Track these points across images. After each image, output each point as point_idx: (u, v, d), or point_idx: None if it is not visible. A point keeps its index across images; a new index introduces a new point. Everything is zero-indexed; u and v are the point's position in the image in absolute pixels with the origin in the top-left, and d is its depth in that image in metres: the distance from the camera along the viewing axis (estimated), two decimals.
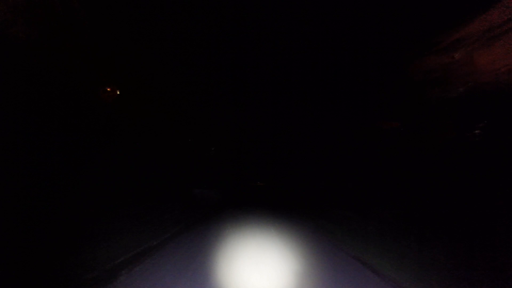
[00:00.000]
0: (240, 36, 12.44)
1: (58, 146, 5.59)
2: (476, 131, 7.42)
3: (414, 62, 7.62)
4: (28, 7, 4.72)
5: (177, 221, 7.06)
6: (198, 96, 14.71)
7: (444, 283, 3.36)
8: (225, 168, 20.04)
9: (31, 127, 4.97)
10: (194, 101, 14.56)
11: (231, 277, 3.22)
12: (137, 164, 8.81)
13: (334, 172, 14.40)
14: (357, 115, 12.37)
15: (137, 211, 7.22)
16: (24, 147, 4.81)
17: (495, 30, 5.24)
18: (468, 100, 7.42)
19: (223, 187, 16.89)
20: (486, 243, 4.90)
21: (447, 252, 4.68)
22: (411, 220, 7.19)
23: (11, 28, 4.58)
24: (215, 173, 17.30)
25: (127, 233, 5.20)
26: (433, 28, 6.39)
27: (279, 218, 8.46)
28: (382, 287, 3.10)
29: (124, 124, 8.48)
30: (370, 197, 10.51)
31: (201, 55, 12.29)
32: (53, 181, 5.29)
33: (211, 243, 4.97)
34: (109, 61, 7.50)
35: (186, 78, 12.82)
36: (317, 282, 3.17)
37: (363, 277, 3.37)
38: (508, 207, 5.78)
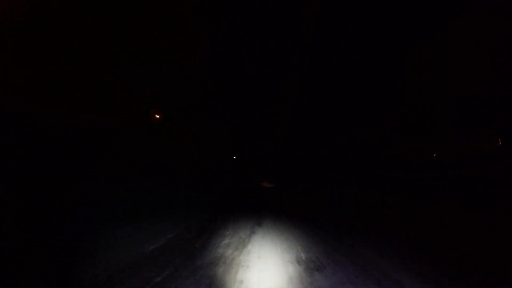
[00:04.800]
0: (240, 36, 12.44)
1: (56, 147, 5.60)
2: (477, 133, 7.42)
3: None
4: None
5: None
6: (198, 97, 14.72)
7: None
8: (224, 168, 20.00)
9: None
10: (194, 101, 14.58)
11: None
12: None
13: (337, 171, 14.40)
14: (358, 115, 12.37)
15: None
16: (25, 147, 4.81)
17: None
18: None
19: (222, 187, 16.90)
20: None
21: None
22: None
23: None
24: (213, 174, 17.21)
25: None
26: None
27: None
28: None
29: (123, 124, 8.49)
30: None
31: (200, 55, 12.30)
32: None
33: None
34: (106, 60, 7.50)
35: (186, 78, 12.82)
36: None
37: None
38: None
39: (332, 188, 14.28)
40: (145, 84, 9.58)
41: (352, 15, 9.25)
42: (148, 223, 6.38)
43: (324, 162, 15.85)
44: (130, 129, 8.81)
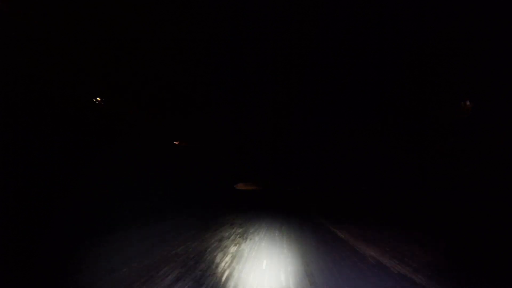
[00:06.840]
0: (240, 37, 12.45)
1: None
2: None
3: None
4: None
5: None
6: (198, 98, 14.75)
7: None
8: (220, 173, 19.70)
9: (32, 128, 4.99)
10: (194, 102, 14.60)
11: None
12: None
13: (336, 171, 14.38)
14: (358, 115, 12.38)
15: None
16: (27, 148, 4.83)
17: None
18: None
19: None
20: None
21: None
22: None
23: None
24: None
25: None
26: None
27: None
28: None
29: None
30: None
31: (199, 55, 12.31)
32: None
33: None
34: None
35: (184, 78, 12.84)
36: None
37: None
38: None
39: (327, 187, 14.24)
40: (143, 85, 9.61)
41: (351, 15, 9.26)
42: (151, 227, 6.38)
43: (319, 161, 15.84)
44: (129, 129, 8.83)
